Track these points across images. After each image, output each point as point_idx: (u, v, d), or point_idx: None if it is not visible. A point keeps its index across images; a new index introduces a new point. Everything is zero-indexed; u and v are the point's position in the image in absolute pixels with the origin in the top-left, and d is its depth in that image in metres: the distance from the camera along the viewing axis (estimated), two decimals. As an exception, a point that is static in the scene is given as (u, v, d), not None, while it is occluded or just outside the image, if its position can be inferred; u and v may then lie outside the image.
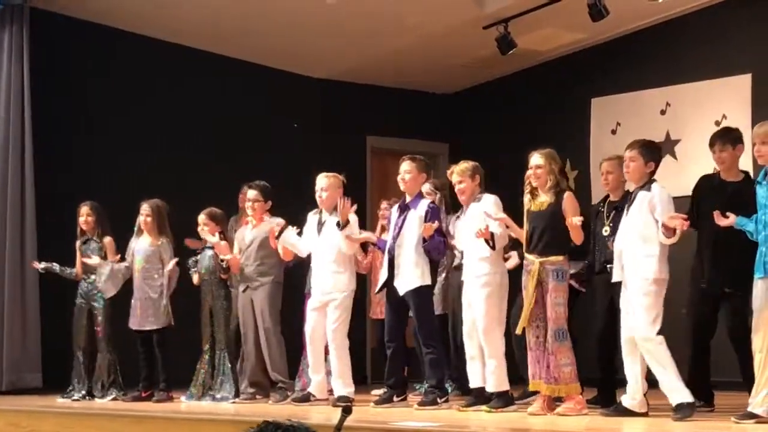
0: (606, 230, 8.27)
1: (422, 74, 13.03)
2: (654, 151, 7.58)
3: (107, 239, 10.14)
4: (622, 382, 7.72)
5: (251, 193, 9.61)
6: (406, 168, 8.83)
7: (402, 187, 8.85)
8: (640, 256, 7.33)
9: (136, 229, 10.07)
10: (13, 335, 10.75)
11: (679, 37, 11.58)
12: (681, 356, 7.62)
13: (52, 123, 11.23)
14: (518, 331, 7.91)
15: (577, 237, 7.77)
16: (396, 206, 8.96)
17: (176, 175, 11.64)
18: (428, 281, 8.70)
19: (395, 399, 8.75)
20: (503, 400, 8.16)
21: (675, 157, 11.30)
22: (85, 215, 10.15)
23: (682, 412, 7.21)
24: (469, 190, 8.39)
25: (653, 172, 7.51)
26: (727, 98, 11.08)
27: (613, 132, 11.93)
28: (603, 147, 11.80)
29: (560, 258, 7.80)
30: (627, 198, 7.69)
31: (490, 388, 8.20)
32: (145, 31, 11.80)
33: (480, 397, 8.32)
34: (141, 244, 10.00)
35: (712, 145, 8.13)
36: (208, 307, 9.80)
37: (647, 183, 7.45)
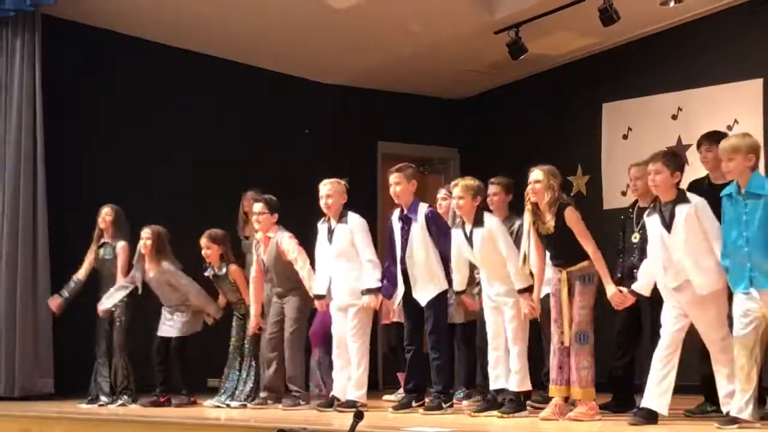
0: (636, 237, 8.27)
1: (433, 80, 13.03)
2: (678, 161, 7.51)
3: (121, 244, 10.16)
4: (638, 387, 7.70)
5: (257, 206, 9.59)
6: (394, 180, 8.87)
7: (396, 200, 8.89)
8: (698, 271, 7.23)
9: (137, 254, 10.10)
10: (26, 341, 10.75)
11: (691, 42, 11.56)
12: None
13: (64, 129, 11.24)
14: (567, 343, 7.83)
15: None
16: (396, 218, 8.96)
17: (186, 180, 11.66)
18: (445, 285, 8.73)
19: (414, 404, 8.75)
20: (514, 406, 8.16)
21: (687, 162, 11.25)
22: (104, 215, 10.21)
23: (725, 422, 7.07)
24: (467, 208, 8.38)
25: (680, 182, 7.43)
26: (739, 103, 11.06)
27: (625, 137, 11.91)
28: (614, 152, 11.81)
29: (585, 263, 7.78)
30: (656, 208, 7.48)
31: (513, 387, 8.21)
32: (156, 37, 11.82)
33: (492, 402, 8.32)
34: (149, 275, 10.04)
35: (699, 145, 8.20)
36: (240, 315, 9.86)
37: (680, 195, 7.36)
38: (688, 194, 7.39)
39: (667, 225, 7.33)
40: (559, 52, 12.35)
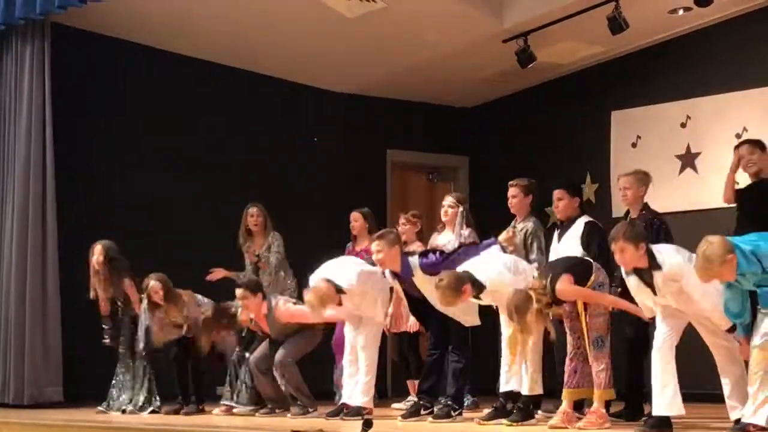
0: None
1: (443, 88, 13.03)
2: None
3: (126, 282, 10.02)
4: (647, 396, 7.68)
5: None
6: (376, 247, 8.59)
7: (381, 267, 8.70)
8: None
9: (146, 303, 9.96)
10: (35, 349, 10.76)
11: (700, 50, 11.55)
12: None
13: (73, 137, 11.27)
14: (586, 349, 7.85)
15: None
16: (389, 277, 8.78)
17: (197, 190, 11.67)
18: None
19: (423, 412, 8.72)
20: (523, 414, 8.14)
21: (696, 171, 11.27)
22: (96, 254, 10.03)
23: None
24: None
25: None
26: (747, 111, 11.05)
27: (634, 145, 11.90)
28: (623, 160, 11.78)
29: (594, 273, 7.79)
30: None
31: (525, 391, 8.17)
32: (167, 46, 11.84)
33: (501, 410, 8.29)
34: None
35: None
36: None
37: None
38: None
39: None
40: (568, 61, 12.35)
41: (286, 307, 9.33)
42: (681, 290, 7.07)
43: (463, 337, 8.75)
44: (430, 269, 8.46)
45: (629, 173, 8.53)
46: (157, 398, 10.08)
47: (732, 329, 6.99)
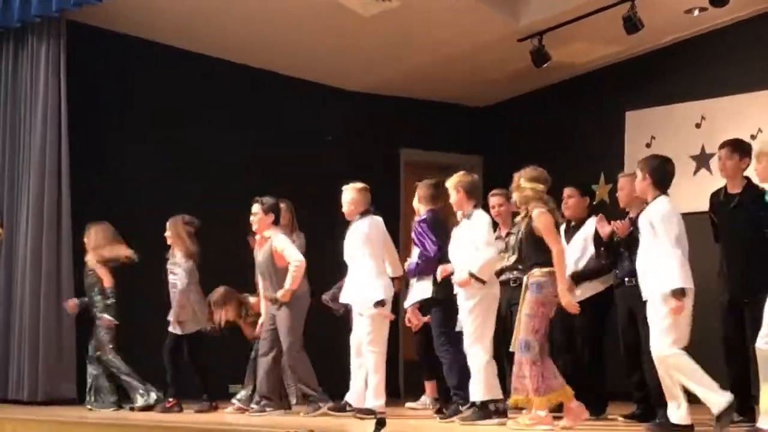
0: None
1: (456, 87, 13.03)
2: (652, 163, 7.62)
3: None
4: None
5: (253, 208, 9.59)
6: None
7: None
8: (653, 272, 7.27)
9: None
10: (49, 346, 10.79)
11: (715, 50, 11.54)
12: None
13: (88, 134, 11.28)
14: (512, 348, 7.80)
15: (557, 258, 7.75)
16: None
17: (209, 187, 11.68)
18: (429, 293, 8.70)
19: (461, 409, 8.63)
20: (481, 413, 8.06)
21: (710, 171, 11.23)
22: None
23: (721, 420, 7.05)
24: (456, 204, 8.45)
25: (657, 187, 7.47)
26: (762, 112, 11.03)
27: (648, 145, 11.87)
28: (637, 160, 11.73)
29: (543, 270, 7.70)
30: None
31: (472, 398, 8.18)
32: (180, 44, 11.85)
33: (455, 411, 8.33)
34: (178, 260, 10.10)
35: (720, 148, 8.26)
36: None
37: (653, 198, 7.47)
38: (658, 198, 7.40)
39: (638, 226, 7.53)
40: (583, 61, 12.34)
41: (282, 238, 9.42)
42: (650, 230, 7.25)
43: (444, 338, 8.67)
44: (420, 231, 8.68)
45: (625, 174, 8.72)
46: (152, 391, 10.11)
47: (678, 293, 7.07)
